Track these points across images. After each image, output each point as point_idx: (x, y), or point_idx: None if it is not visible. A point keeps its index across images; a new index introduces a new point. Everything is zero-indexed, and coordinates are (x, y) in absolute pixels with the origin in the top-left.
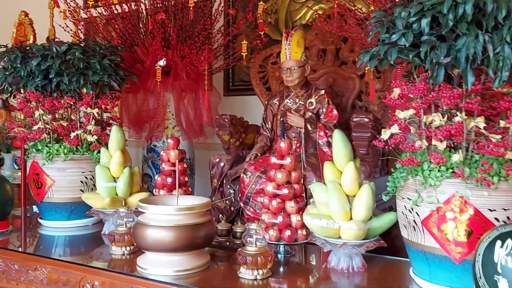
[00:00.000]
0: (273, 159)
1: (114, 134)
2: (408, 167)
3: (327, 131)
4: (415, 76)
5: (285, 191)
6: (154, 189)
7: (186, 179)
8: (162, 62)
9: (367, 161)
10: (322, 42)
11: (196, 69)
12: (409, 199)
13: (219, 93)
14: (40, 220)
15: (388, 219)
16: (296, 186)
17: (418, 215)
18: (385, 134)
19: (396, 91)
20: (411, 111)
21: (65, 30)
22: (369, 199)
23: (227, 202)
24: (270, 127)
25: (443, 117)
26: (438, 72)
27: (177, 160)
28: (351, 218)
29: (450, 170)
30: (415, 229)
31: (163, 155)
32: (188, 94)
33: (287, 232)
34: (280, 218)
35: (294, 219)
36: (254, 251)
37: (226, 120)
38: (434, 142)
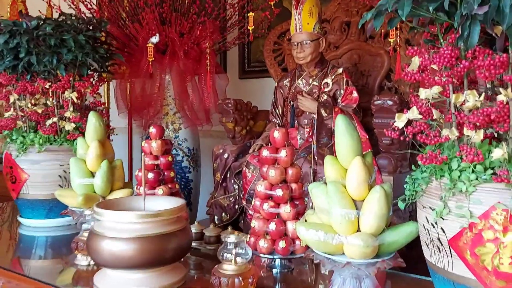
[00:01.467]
0: (265, 152)
1: (92, 121)
2: (430, 166)
3: None
4: (441, 41)
5: (279, 192)
6: (136, 186)
7: (172, 174)
8: (154, 39)
9: (392, 153)
10: (346, 13)
11: (198, 47)
12: (432, 209)
13: (226, 74)
14: (19, 219)
15: (407, 232)
16: (293, 185)
17: (444, 232)
18: (400, 121)
19: (415, 61)
20: (435, 89)
21: (48, 4)
22: (381, 206)
23: (230, 199)
24: (280, 112)
25: (480, 96)
26: (471, 30)
27: (143, 154)
28: (358, 230)
29: (490, 171)
30: (439, 250)
31: (144, 147)
32: (189, 76)
33: (281, 243)
34: (272, 226)
35: (291, 227)
36: (231, 271)
37: (230, 105)
38: (466, 131)
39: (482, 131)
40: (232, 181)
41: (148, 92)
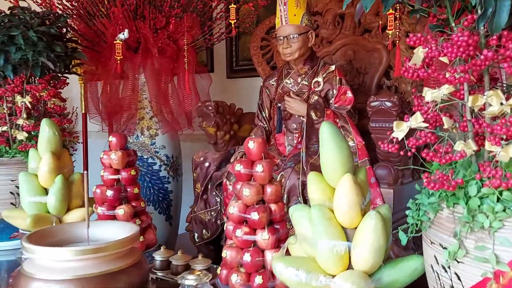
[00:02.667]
0: (238, 167)
1: (44, 130)
2: (440, 191)
3: (337, 120)
4: (453, 25)
5: (254, 215)
6: (94, 205)
7: (136, 190)
8: (122, 35)
9: (392, 161)
10: (339, 5)
11: (175, 44)
12: (443, 247)
13: (209, 74)
14: None
15: (410, 270)
16: (273, 206)
17: (460, 280)
18: (399, 131)
19: (419, 53)
20: (445, 89)
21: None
22: (378, 236)
23: (212, 213)
24: (266, 115)
25: (507, 99)
26: (498, 6)
27: (85, 172)
28: (350, 266)
29: None
30: None
31: (103, 159)
32: (167, 76)
33: (257, 279)
34: (247, 257)
35: (270, 257)
36: None
37: (210, 108)
38: (489, 146)
39: (511, 146)
40: (214, 193)
41: (120, 95)
